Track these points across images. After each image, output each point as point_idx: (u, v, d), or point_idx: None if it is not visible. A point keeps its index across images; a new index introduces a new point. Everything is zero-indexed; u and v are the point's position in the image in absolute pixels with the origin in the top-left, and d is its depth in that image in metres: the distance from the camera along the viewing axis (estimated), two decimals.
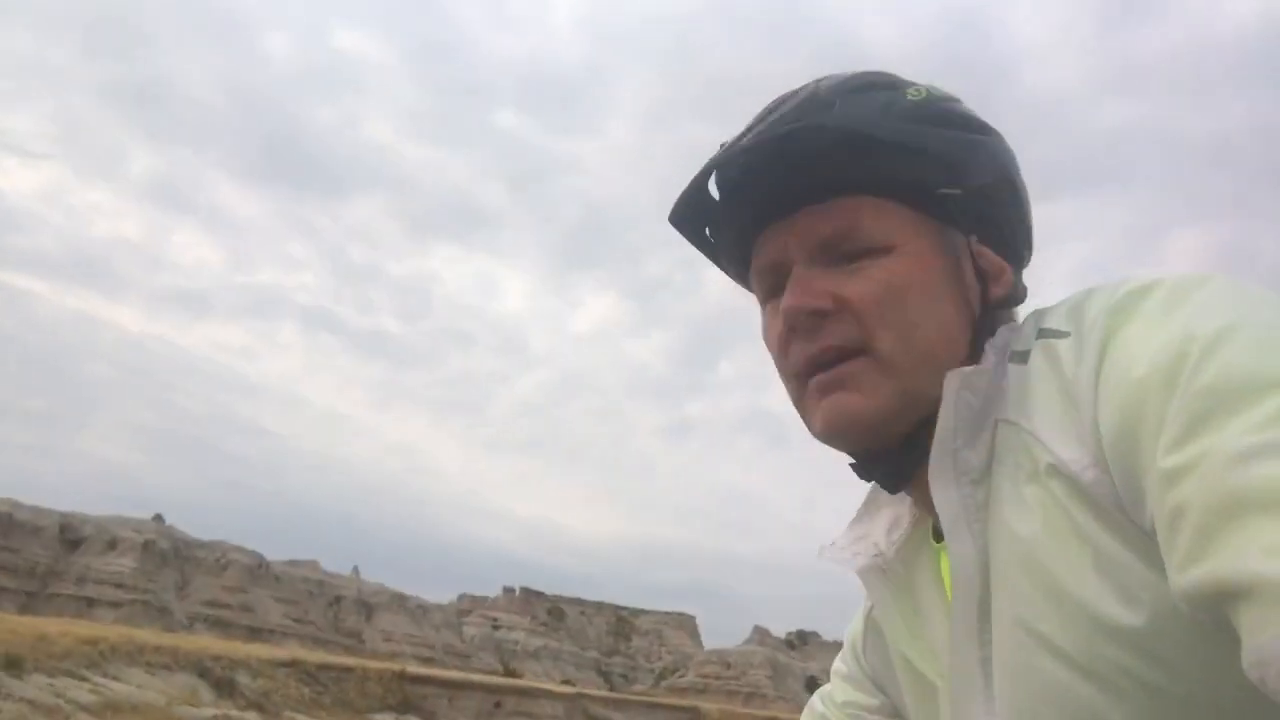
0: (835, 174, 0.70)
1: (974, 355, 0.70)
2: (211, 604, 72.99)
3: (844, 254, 0.71)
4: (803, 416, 0.74)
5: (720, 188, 0.75)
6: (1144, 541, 0.56)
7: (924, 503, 0.74)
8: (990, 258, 0.73)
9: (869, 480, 0.78)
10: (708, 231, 0.79)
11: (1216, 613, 0.49)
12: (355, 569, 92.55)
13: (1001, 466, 0.66)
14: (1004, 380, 0.67)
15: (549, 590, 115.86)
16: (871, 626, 0.88)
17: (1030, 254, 0.78)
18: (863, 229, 0.70)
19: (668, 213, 0.78)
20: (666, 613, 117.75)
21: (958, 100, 0.75)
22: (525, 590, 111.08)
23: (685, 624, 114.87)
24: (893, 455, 0.73)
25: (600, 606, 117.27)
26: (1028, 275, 0.78)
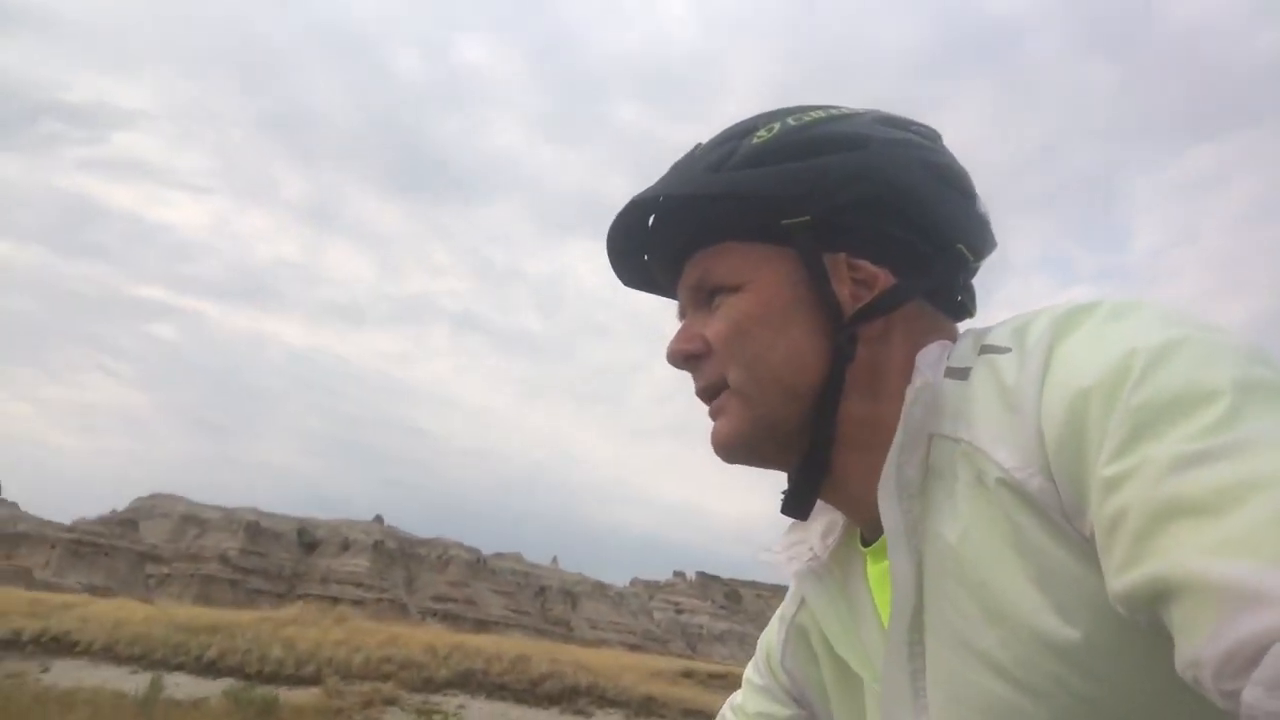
0: (682, 235, 0.79)
1: (834, 372, 0.72)
2: (439, 599, 76.49)
3: (708, 297, 0.78)
4: None
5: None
6: (1086, 550, 0.56)
7: (851, 513, 0.80)
8: (866, 269, 0.74)
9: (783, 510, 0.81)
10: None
11: (1152, 615, 0.50)
12: (555, 559, 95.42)
13: (939, 481, 0.67)
14: (941, 396, 0.68)
15: (722, 574, 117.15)
16: (795, 632, 0.89)
17: (952, 246, 0.77)
18: (714, 274, 0.77)
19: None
20: None
21: (825, 120, 0.76)
22: (701, 574, 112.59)
23: None
24: (792, 482, 0.77)
25: (776, 589, 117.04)
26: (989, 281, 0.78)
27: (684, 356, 0.78)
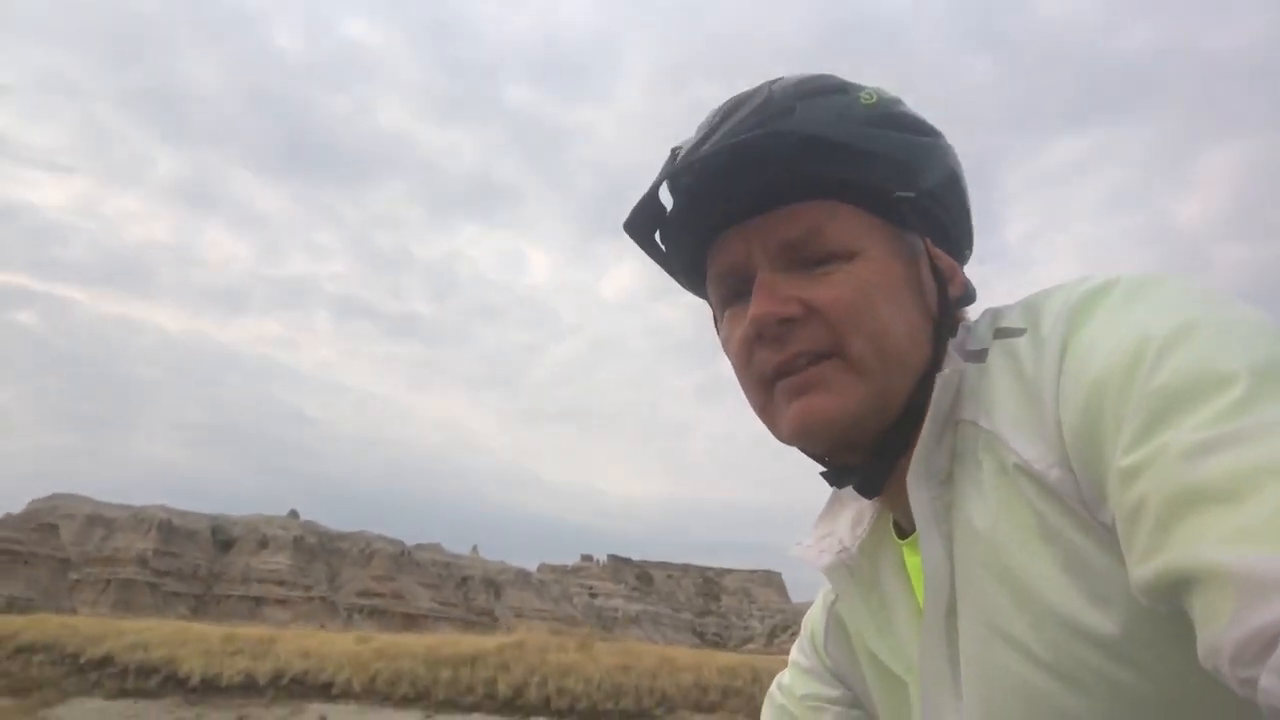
0: (797, 179, 0.71)
1: (936, 356, 0.71)
2: (365, 594, 74.52)
3: (808, 259, 0.71)
4: (768, 423, 0.74)
5: (675, 194, 0.74)
6: (1110, 539, 0.56)
7: (888, 501, 0.77)
8: (944, 259, 0.74)
9: (840, 487, 0.79)
10: (658, 237, 0.78)
11: (1174, 604, 0.50)
12: (475, 548, 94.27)
13: (963, 468, 0.67)
14: (963, 380, 0.68)
15: (626, 554, 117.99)
16: (834, 620, 0.89)
17: (971, 252, 0.79)
18: (826, 234, 0.70)
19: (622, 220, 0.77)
20: (752, 571, 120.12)
21: (902, 102, 0.76)
22: (613, 557, 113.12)
23: (772, 580, 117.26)
24: (867, 461, 0.73)
25: (686, 568, 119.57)
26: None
27: (778, 320, 0.70)
